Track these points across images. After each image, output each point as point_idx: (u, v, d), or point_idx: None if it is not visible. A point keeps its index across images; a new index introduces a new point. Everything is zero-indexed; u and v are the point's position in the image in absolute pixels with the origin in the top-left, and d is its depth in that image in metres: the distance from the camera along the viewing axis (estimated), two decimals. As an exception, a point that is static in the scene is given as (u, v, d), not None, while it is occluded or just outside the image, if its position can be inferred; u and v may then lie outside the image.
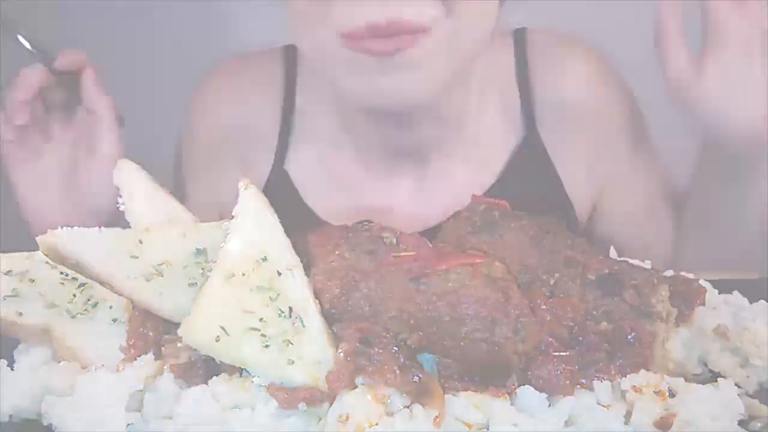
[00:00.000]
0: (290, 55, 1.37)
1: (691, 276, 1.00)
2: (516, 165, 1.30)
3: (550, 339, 0.83)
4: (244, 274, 0.84)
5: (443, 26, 1.03)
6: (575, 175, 1.33)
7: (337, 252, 0.90)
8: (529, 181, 1.30)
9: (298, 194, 1.33)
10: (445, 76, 1.10)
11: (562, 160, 1.32)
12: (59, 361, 0.86)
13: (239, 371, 0.81)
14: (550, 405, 0.80)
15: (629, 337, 0.85)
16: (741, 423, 0.82)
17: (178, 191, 1.39)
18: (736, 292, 1.02)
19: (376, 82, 1.06)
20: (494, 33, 1.23)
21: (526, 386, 0.80)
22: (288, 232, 0.91)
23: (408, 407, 0.78)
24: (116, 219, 1.04)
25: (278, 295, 0.84)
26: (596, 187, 1.36)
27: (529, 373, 0.81)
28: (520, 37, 1.34)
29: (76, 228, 0.84)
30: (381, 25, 1.00)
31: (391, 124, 1.24)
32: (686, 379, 0.86)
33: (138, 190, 0.91)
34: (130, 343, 0.86)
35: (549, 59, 1.32)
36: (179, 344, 0.83)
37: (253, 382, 0.79)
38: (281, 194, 1.31)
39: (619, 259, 0.96)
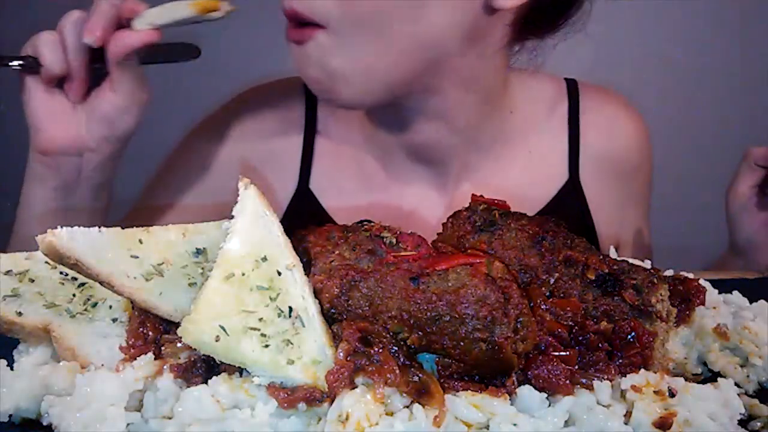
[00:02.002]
0: None
1: (691, 276, 1.00)
2: (556, 206, 1.40)
3: (550, 339, 0.83)
4: (243, 274, 0.84)
5: (339, 26, 1.11)
6: (608, 222, 1.45)
7: (336, 252, 0.90)
8: (565, 221, 1.38)
9: (325, 211, 1.39)
10: (359, 77, 1.15)
11: (598, 208, 1.43)
12: (59, 361, 0.86)
13: (239, 371, 0.81)
14: (550, 405, 0.80)
15: (629, 336, 0.85)
16: (741, 423, 0.82)
17: (167, 188, 1.41)
18: (736, 292, 1.02)
19: (296, 66, 1.18)
20: (546, 77, 1.42)
21: (526, 386, 0.80)
22: (288, 233, 0.91)
23: (408, 407, 0.78)
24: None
25: (278, 294, 0.84)
26: (618, 231, 1.48)
27: (529, 373, 0.81)
28: (573, 88, 1.45)
29: (75, 228, 0.84)
30: (287, 11, 1.11)
31: (395, 123, 1.31)
32: (686, 379, 0.86)
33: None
34: (130, 343, 0.86)
35: (601, 116, 1.44)
36: (179, 344, 0.83)
37: (253, 382, 0.79)
38: (307, 212, 1.38)
39: (618, 258, 0.96)
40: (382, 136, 1.36)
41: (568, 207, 1.41)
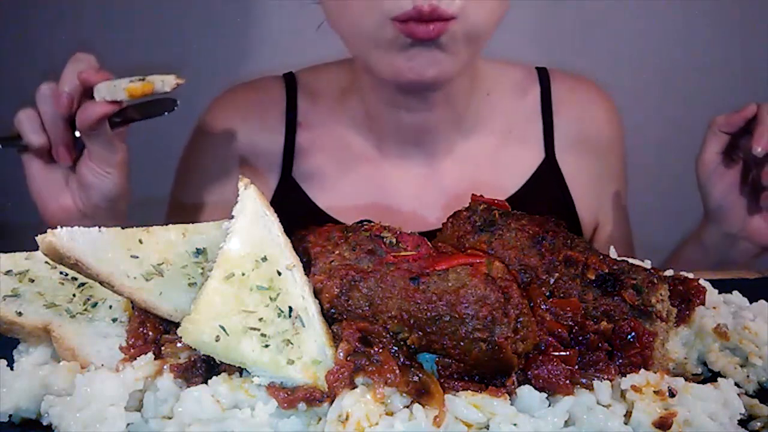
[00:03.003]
0: (289, 79, 1.50)
1: (691, 276, 1.00)
2: (535, 183, 1.45)
3: (550, 339, 0.83)
4: (243, 274, 0.84)
5: (468, 15, 1.17)
6: (585, 196, 1.50)
7: (336, 252, 0.90)
8: (545, 198, 1.47)
9: (309, 198, 1.43)
10: (465, 57, 1.25)
11: (575, 182, 1.49)
12: (59, 361, 0.86)
13: (239, 371, 0.81)
14: (550, 405, 0.80)
15: (629, 336, 0.85)
16: (741, 423, 0.82)
17: (180, 191, 1.49)
18: (736, 292, 1.02)
19: (413, 60, 1.20)
20: (517, 64, 1.50)
21: (526, 386, 0.80)
22: (288, 231, 0.91)
23: (408, 407, 0.78)
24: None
25: (278, 294, 0.84)
26: (597, 207, 1.53)
27: (529, 373, 0.81)
28: (544, 75, 1.52)
29: (75, 228, 0.84)
30: (425, 10, 1.14)
31: (407, 107, 1.35)
32: (686, 379, 0.86)
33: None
34: (130, 343, 0.86)
35: (571, 96, 1.51)
36: (179, 344, 0.83)
37: (253, 382, 0.79)
38: (292, 201, 1.43)
39: (618, 258, 0.96)
40: (378, 120, 1.40)
41: (547, 184, 1.47)
